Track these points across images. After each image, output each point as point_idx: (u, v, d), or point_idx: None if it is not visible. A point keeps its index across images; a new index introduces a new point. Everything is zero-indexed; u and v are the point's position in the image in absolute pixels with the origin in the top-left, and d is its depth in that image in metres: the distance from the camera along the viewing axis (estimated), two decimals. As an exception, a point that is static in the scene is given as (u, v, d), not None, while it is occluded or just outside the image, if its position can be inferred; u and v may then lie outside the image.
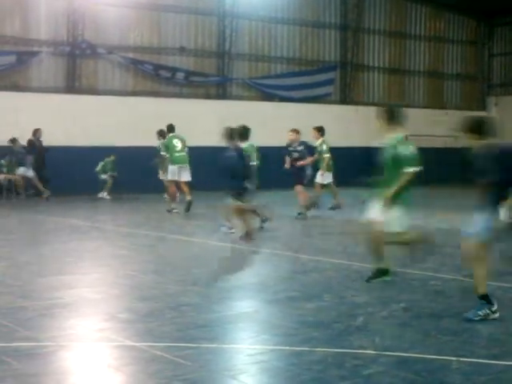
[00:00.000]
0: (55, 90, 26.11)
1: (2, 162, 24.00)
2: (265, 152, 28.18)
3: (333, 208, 19.94)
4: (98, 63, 27.10)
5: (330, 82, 32.59)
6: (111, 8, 26.90)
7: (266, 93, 30.76)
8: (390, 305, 8.41)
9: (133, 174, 24.37)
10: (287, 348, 6.63)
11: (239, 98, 29.96)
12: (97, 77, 27.15)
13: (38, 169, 23.99)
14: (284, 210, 19.46)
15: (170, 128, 20.07)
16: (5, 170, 23.96)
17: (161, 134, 21.17)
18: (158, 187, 21.59)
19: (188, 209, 18.76)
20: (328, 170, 19.63)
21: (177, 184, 19.48)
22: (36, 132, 24.25)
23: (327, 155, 19.44)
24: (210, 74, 29.55)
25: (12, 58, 25.34)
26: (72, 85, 26.51)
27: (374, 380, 5.81)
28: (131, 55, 27.66)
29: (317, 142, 19.44)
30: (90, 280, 10.13)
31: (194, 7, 28.84)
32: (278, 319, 7.81)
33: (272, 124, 28.70)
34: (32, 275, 10.40)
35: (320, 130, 19.52)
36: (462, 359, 6.28)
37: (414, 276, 10.23)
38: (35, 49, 25.87)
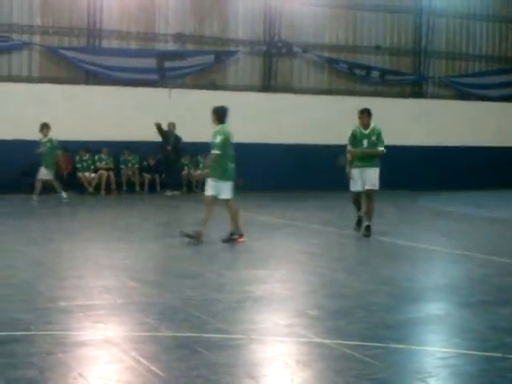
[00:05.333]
0: (251, 89, 26.62)
1: (183, 160, 24.80)
2: (463, 151, 27.83)
3: None
4: (294, 62, 27.38)
5: (531, 81, 31.39)
6: (307, 7, 27.09)
7: (462, 91, 30.03)
8: None
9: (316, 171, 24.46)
10: (479, 353, 6.43)
11: (435, 97, 29.42)
12: (292, 75, 27.44)
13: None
14: (476, 211, 19.01)
15: None
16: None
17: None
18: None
19: None
20: None
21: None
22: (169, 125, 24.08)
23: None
24: (406, 72, 29.19)
25: (210, 58, 26.06)
26: (268, 83, 26.94)
27: None
28: (326, 54, 27.76)
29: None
30: (280, 276, 10.23)
31: (390, 5, 28.56)
32: (470, 323, 7.60)
33: (469, 123, 28.07)
34: (225, 269, 10.64)
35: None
36: None
37: None
38: (232, 48, 26.48)
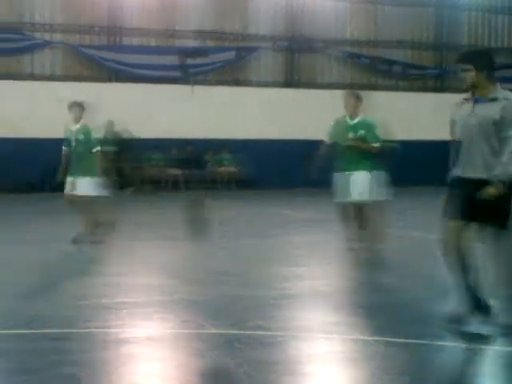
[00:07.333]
0: (273, 85, 26.56)
1: (206, 156, 24.83)
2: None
3: None
4: (316, 57, 27.29)
5: (555, 74, 31.17)
6: (328, 2, 27.01)
7: (485, 85, 29.86)
8: None
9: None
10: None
11: (457, 91, 29.13)
12: (314, 71, 27.36)
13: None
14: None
15: None
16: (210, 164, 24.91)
17: None
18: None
19: None
20: None
21: None
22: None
23: None
24: (428, 66, 29.06)
25: (231, 54, 26.02)
26: (290, 79, 26.88)
27: None
28: (348, 49, 27.67)
29: None
30: (319, 272, 10.18)
31: (412, -1, 28.49)
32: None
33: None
34: (262, 266, 10.56)
35: None
36: None
37: None
38: (254, 44, 26.41)
